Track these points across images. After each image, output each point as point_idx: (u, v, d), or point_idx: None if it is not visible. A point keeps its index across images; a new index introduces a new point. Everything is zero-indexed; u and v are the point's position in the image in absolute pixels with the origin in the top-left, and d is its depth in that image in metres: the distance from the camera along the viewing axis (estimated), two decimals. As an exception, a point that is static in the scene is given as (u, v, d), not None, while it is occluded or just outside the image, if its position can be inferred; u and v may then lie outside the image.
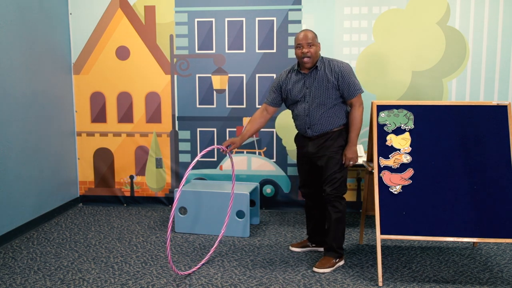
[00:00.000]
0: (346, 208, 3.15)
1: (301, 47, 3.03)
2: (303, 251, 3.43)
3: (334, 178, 3.08)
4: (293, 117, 3.24)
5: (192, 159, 4.56)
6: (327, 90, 3.03)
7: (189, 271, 3.06)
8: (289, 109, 3.27)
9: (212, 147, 3.13)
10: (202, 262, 3.20)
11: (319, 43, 3.12)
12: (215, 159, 4.55)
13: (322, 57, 3.13)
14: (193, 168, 4.57)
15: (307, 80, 3.09)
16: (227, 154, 3.30)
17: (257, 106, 4.41)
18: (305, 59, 3.03)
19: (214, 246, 3.37)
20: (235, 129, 4.47)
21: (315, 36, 3.08)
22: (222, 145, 3.19)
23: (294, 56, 4.37)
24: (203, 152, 2.97)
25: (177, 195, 2.80)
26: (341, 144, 3.11)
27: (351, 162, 3.08)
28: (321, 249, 3.38)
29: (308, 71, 3.09)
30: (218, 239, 3.44)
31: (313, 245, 3.44)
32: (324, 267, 3.09)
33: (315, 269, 3.09)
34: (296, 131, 3.33)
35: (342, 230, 3.16)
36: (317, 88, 3.05)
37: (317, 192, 3.27)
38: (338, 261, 3.16)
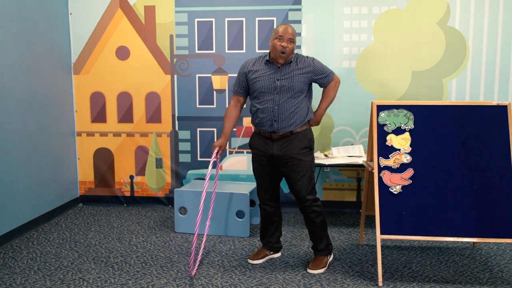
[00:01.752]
0: (323, 207, 3.13)
1: (281, 40, 2.94)
2: (263, 261, 3.28)
3: (305, 182, 3.03)
4: (255, 111, 3.07)
5: (192, 159, 4.57)
6: (300, 84, 2.98)
7: (195, 270, 3.05)
8: (252, 100, 3.12)
9: (213, 159, 3.08)
10: (199, 258, 3.21)
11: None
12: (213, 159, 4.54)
13: (295, 53, 3.08)
14: (193, 168, 4.60)
15: (280, 72, 3.00)
16: (217, 159, 3.18)
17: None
18: (283, 54, 2.94)
19: (204, 241, 3.34)
20: (235, 129, 4.47)
21: (295, 33, 3.03)
22: (211, 152, 3.13)
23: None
24: (211, 164, 3.03)
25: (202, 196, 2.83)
26: (305, 145, 3.02)
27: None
28: (277, 255, 3.35)
29: (281, 64, 3.01)
30: (206, 232, 3.38)
31: (271, 252, 3.33)
32: (318, 268, 3.10)
33: (310, 271, 3.09)
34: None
35: (326, 229, 3.18)
36: (290, 81, 2.98)
37: (276, 196, 3.24)
38: (329, 258, 3.20)
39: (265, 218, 3.28)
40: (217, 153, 3.12)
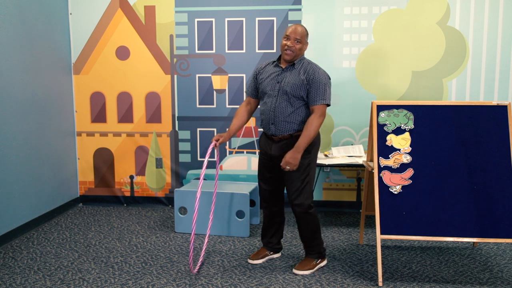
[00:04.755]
0: (316, 214, 3.06)
1: (287, 39, 2.93)
2: (263, 261, 3.27)
3: (298, 185, 2.96)
4: (260, 112, 3.09)
5: (192, 159, 4.57)
6: (297, 90, 2.92)
7: (197, 268, 3.04)
8: (260, 101, 3.13)
9: (210, 147, 3.03)
10: (202, 256, 3.21)
11: (307, 43, 3.01)
12: (215, 159, 4.54)
13: (304, 57, 3.02)
14: (193, 168, 4.60)
15: (281, 74, 2.98)
16: (216, 149, 3.14)
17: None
18: (287, 51, 2.93)
19: (206, 241, 3.34)
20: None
21: (306, 34, 2.97)
22: (211, 140, 3.09)
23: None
24: (208, 154, 2.99)
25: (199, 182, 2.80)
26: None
27: (288, 167, 2.86)
28: (277, 255, 3.34)
29: (285, 66, 2.99)
30: (208, 231, 3.38)
31: (271, 253, 3.31)
32: (304, 269, 3.06)
33: (294, 270, 3.07)
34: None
35: (319, 235, 3.11)
36: (288, 84, 2.93)
37: (279, 198, 3.20)
38: (320, 262, 3.14)
39: (268, 218, 3.26)
40: (216, 141, 3.05)
